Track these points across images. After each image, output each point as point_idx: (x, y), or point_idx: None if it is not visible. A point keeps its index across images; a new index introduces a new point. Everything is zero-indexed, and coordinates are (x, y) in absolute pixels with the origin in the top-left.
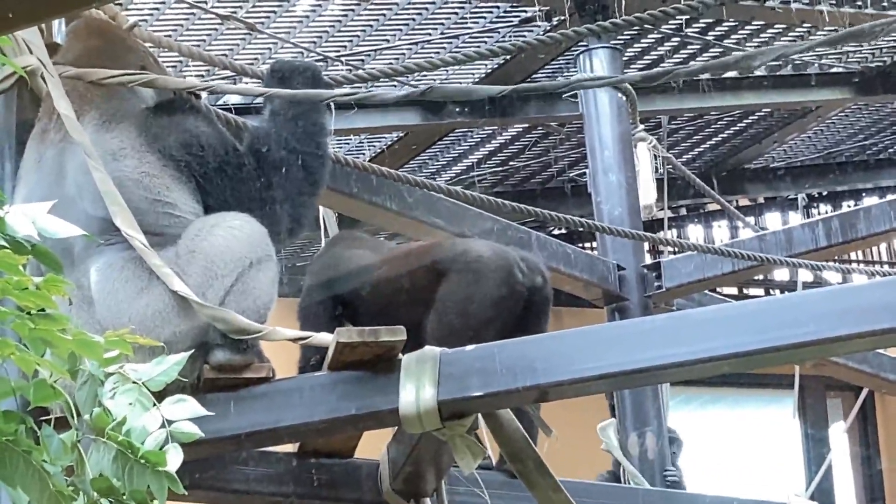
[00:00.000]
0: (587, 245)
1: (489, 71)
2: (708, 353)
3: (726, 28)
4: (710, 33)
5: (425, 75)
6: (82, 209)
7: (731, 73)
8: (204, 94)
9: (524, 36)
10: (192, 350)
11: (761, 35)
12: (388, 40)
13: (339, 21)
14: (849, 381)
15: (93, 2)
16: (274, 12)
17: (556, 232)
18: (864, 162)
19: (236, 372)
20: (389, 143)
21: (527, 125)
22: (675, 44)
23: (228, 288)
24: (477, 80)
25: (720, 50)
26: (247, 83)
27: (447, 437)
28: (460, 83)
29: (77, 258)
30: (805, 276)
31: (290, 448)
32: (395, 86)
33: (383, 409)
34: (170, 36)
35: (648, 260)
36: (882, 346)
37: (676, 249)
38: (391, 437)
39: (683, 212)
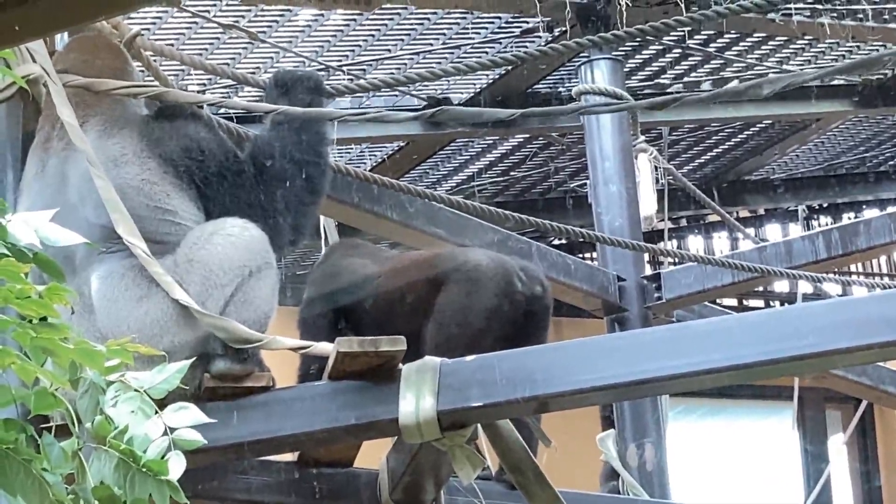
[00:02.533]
0: (587, 256)
1: (490, 81)
2: (708, 364)
3: (727, 40)
4: (712, 45)
5: (427, 85)
6: (84, 217)
7: (732, 84)
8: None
9: (526, 47)
10: (194, 358)
11: (762, 47)
12: (389, 50)
13: (341, 31)
14: (848, 394)
15: (99, 15)
16: (276, 22)
17: (556, 242)
18: (864, 174)
19: (237, 381)
20: (390, 152)
21: (528, 136)
22: (677, 55)
23: (228, 297)
24: (478, 90)
25: (721, 62)
26: (249, 92)
27: (446, 448)
28: (461, 93)
29: (78, 266)
30: (805, 288)
31: (290, 457)
32: (396, 96)
33: (383, 419)
34: (172, 45)
35: (648, 271)
36: (882, 359)
37: (676, 260)
38: (391, 447)
39: (684, 223)
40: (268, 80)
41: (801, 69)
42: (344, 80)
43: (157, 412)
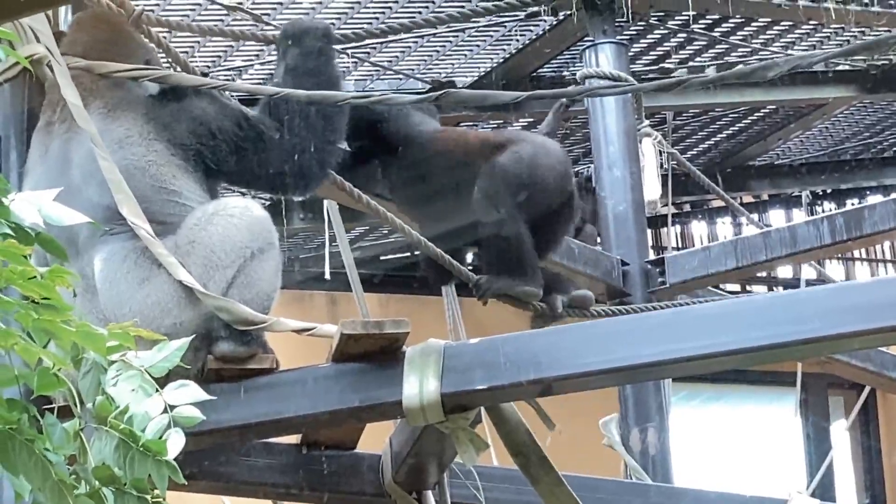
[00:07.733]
0: None
1: (495, 65)
2: (712, 348)
3: (732, 24)
4: (716, 30)
5: (431, 67)
6: (87, 198)
7: (738, 68)
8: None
9: (530, 30)
10: (194, 336)
11: (767, 32)
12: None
13: (346, 13)
14: (851, 380)
15: None
16: (280, 3)
17: None
18: (868, 160)
19: (240, 363)
20: None
21: (532, 120)
22: (681, 39)
23: (230, 279)
24: (483, 73)
25: (726, 46)
26: (252, 75)
27: (450, 431)
28: (465, 77)
29: (81, 247)
30: (809, 274)
31: (293, 440)
32: (401, 79)
33: (387, 402)
34: None
35: (652, 256)
36: (886, 344)
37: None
38: (394, 430)
39: (687, 208)
40: (278, 35)
41: (806, 54)
42: (348, 62)
43: (157, 390)
